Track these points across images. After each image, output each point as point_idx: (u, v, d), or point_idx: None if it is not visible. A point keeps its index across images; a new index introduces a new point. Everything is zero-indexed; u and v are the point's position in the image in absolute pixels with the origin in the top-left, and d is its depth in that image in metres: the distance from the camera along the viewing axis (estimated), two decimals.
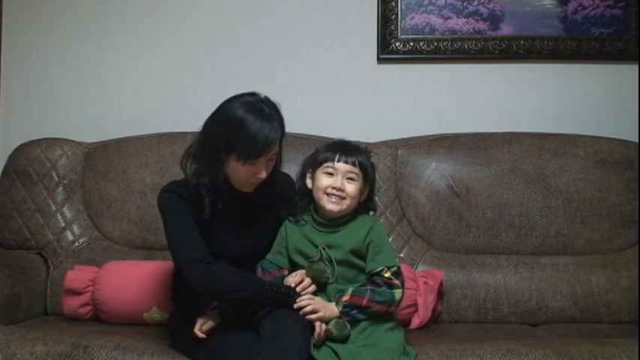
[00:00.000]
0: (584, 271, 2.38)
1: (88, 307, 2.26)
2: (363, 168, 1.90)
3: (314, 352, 1.75)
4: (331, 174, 1.89)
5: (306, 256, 1.91)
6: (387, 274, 1.85)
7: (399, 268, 1.90)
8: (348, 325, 1.81)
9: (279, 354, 1.65)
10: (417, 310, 2.23)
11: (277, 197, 1.97)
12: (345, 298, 1.82)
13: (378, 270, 1.86)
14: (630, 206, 2.45)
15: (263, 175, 1.85)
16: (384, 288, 1.84)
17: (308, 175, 1.95)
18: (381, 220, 2.37)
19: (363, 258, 1.89)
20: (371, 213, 2.00)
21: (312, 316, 1.79)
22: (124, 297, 2.21)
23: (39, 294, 2.36)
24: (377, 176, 2.22)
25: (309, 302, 1.81)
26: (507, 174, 2.46)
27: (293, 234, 1.94)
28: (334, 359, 1.75)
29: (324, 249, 1.88)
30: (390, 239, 2.41)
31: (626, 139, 2.55)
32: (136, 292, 2.21)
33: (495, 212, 2.44)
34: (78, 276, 2.28)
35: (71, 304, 2.26)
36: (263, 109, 1.82)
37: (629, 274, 2.36)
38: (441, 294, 2.31)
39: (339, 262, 1.88)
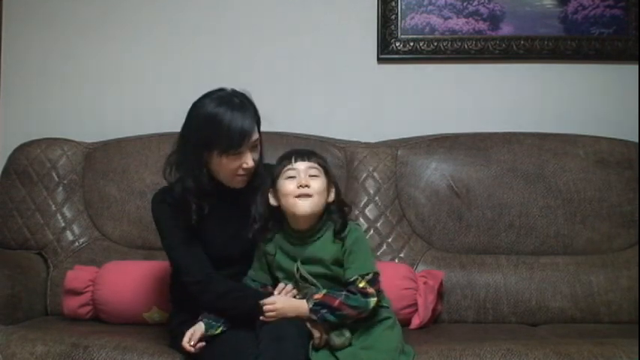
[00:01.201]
0: (584, 271, 2.37)
1: (88, 307, 2.26)
2: (322, 165, 1.87)
3: (312, 356, 1.74)
4: (293, 176, 1.84)
5: (286, 272, 1.87)
6: (362, 284, 1.79)
7: (375, 274, 1.83)
8: (348, 334, 1.78)
9: (277, 358, 1.65)
10: (417, 310, 2.23)
11: (260, 185, 1.94)
12: (318, 296, 1.79)
13: (352, 279, 1.81)
14: (630, 206, 2.45)
15: (250, 163, 1.85)
16: (358, 296, 1.79)
17: (270, 194, 1.88)
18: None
19: (341, 266, 1.84)
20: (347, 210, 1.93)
21: (272, 313, 1.76)
22: (124, 297, 2.21)
23: (39, 294, 2.36)
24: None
25: (270, 308, 1.77)
26: (507, 174, 2.46)
27: (272, 250, 1.89)
28: None
29: (297, 269, 1.83)
30: (390, 239, 2.42)
31: (626, 139, 2.55)
32: (136, 292, 2.21)
33: (495, 212, 2.44)
34: (78, 276, 2.28)
35: (71, 304, 2.26)
36: (233, 100, 1.85)
37: (629, 274, 2.36)
38: (441, 294, 2.31)
39: (322, 277, 1.84)
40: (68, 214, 2.49)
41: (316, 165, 1.86)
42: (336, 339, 1.77)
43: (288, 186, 1.84)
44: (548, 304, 2.33)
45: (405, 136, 2.59)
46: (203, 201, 1.87)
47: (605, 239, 2.44)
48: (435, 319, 2.29)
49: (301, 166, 1.84)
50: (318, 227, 1.86)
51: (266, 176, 1.94)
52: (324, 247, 1.85)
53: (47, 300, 2.38)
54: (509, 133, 2.56)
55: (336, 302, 1.77)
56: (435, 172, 2.48)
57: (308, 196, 1.82)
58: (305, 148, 1.93)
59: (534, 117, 2.70)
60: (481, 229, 2.44)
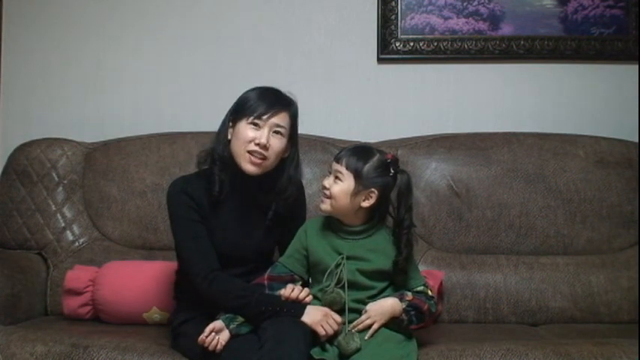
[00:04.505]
0: (584, 271, 2.38)
1: (88, 307, 2.26)
2: (351, 169, 1.81)
3: (319, 353, 1.73)
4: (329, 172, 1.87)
5: (326, 269, 1.82)
6: (430, 293, 1.86)
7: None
8: (357, 337, 1.75)
9: None
10: None
11: (285, 201, 1.96)
12: (409, 297, 1.80)
13: (420, 289, 1.84)
14: (630, 206, 2.45)
15: (263, 140, 1.85)
16: (432, 302, 1.85)
17: None
18: None
19: (383, 280, 1.84)
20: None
21: (375, 326, 1.77)
22: (124, 297, 2.21)
23: (39, 294, 2.36)
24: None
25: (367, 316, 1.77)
26: (507, 174, 2.46)
27: (314, 242, 1.87)
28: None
29: (338, 265, 1.79)
30: None
31: (626, 139, 2.55)
32: (136, 292, 2.21)
33: (495, 212, 2.44)
34: (78, 276, 2.28)
35: (71, 304, 2.26)
36: (273, 87, 1.96)
37: (629, 274, 2.36)
38: (441, 294, 2.31)
39: (356, 283, 1.80)
40: (68, 214, 2.49)
41: (343, 167, 1.81)
42: (346, 344, 1.74)
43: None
44: (548, 304, 2.33)
45: (405, 136, 2.59)
46: (225, 175, 1.90)
47: (605, 239, 2.44)
48: (435, 319, 2.29)
49: (334, 165, 1.85)
50: (369, 226, 1.86)
51: (295, 191, 1.96)
52: (378, 252, 1.83)
53: (47, 300, 2.38)
54: (509, 133, 2.56)
55: (425, 307, 1.81)
56: (435, 172, 2.48)
57: (326, 197, 1.83)
58: (351, 148, 1.87)
59: (534, 117, 2.70)
60: (481, 229, 2.44)
